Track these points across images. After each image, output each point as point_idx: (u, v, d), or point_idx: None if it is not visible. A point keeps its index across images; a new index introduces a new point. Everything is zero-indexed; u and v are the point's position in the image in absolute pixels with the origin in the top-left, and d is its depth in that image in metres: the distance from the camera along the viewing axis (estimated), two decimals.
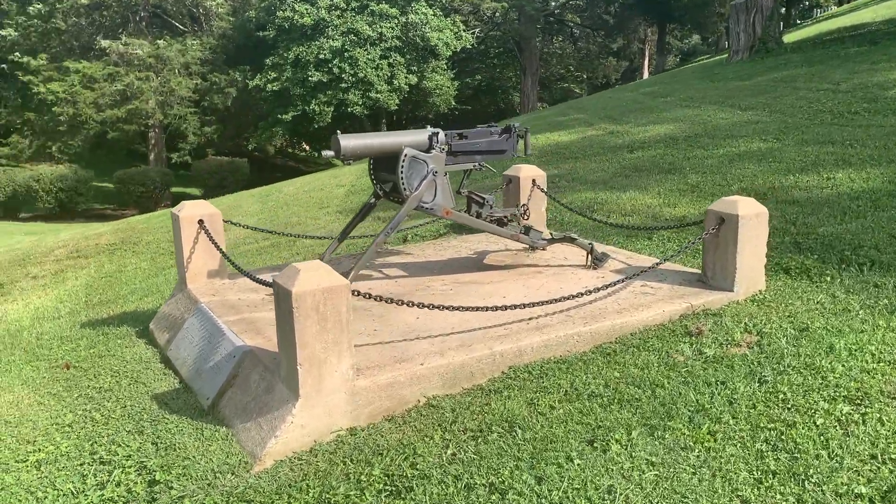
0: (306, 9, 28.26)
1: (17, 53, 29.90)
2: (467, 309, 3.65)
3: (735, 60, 15.06)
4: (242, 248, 7.71)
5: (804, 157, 7.24)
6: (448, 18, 31.47)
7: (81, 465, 3.15)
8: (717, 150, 8.21)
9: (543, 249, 5.07)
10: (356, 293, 3.33)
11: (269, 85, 29.09)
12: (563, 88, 47.72)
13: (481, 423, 3.13)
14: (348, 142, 4.11)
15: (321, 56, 27.86)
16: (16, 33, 30.27)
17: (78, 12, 29.90)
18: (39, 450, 3.30)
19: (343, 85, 28.19)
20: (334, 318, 3.05)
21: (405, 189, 4.20)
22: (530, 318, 3.90)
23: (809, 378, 3.20)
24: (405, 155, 4.18)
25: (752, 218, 4.19)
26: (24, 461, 3.22)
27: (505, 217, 4.76)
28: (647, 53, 49.79)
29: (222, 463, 3.04)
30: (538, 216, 5.93)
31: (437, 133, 4.38)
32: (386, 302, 3.43)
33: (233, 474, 2.97)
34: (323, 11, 28.13)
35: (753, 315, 3.98)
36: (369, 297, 3.41)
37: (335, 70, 28.03)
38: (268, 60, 29.42)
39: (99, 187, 30.93)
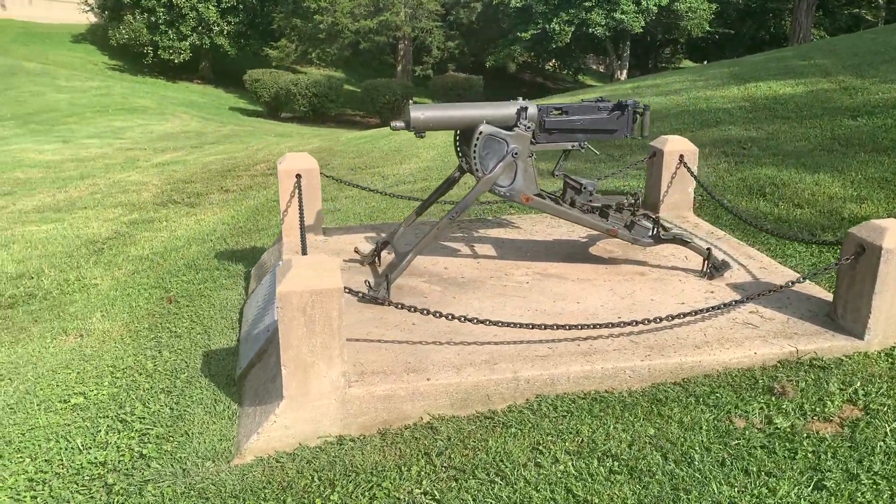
0: None
1: None
2: (502, 324, 3.26)
3: None
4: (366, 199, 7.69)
5: None
6: None
7: (104, 418, 3.35)
8: None
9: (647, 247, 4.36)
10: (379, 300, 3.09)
11: (513, 1, 28.61)
12: (851, 15, 41.37)
13: (469, 462, 2.80)
14: (419, 113, 3.77)
15: None
16: None
17: None
18: (83, 394, 3.57)
19: (587, 3, 26.88)
20: (323, 321, 2.86)
21: (477, 170, 3.80)
22: (587, 338, 3.41)
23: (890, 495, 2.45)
24: (480, 132, 3.75)
25: None
26: (66, 402, 3.50)
27: (610, 207, 4.16)
28: None
29: (212, 447, 3.05)
30: (682, 200, 5.18)
31: (527, 108, 3.87)
32: (411, 311, 3.17)
33: (213, 462, 2.96)
34: None
35: (874, 379, 3.14)
36: (395, 306, 3.16)
37: None
38: None
39: (351, 93, 32.99)
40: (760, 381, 3.17)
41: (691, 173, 5.01)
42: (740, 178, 6.04)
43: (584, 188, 4.06)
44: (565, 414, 3.05)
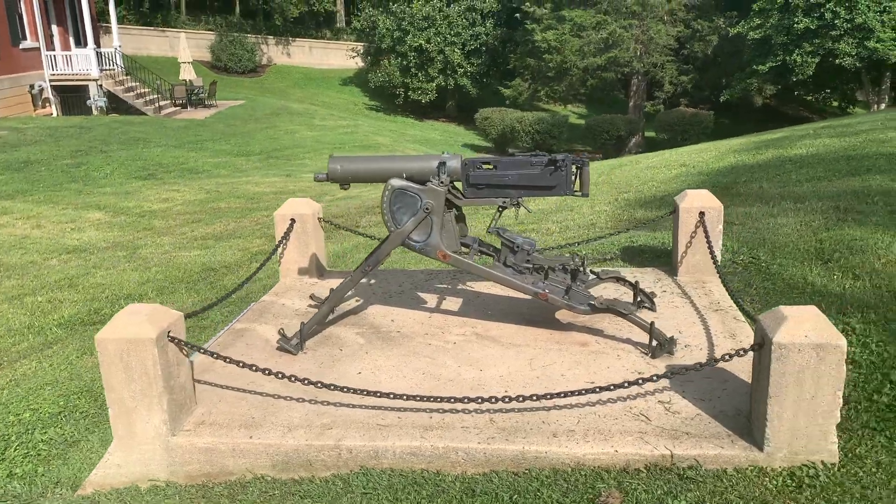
0: None
1: (527, 3, 33.05)
2: (334, 388, 3.16)
3: None
4: None
5: None
6: None
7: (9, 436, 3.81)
8: None
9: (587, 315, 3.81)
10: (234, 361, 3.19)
11: (751, 32, 26.72)
12: None
13: None
14: (336, 165, 3.78)
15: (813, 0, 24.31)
16: None
17: None
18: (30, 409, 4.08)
19: (834, 32, 24.20)
20: (140, 370, 3.00)
21: (388, 224, 3.72)
22: (440, 411, 3.18)
23: None
24: (389, 186, 3.68)
25: (808, 350, 2.62)
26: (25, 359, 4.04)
27: (551, 268, 3.82)
28: None
29: (73, 475, 3.34)
30: (703, 262, 4.56)
31: (446, 162, 3.70)
32: (253, 369, 3.22)
33: (64, 489, 3.24)
34: None
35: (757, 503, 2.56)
36: (237, 364, 3.24)
37: (827, 15, 24.20)
38: (755, 5, 26.93)
39: (580, 128, 33.00)
40: (597, 487, 2.73)
41: (706, 234, 4.39)
42: (821, 237, 5.15)
43: (520, 247, 3.79)
44: (368, 492, 2.88)
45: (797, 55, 25.28)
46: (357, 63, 40.08)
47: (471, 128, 35.25)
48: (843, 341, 2.60)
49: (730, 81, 29.27)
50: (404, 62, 34.66)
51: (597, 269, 4.23)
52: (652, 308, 4.11)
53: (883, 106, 26.53)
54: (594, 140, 30.02)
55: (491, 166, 3.78)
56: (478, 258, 3.90)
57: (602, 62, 29.74)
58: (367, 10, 38.42)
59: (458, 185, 3.85)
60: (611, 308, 3.63)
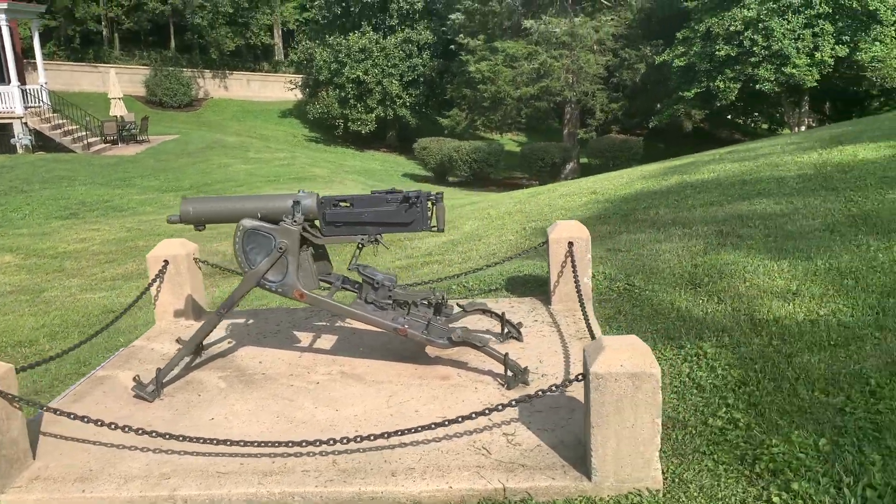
0: None
1: (461, 35, 33.56)
2: (169, 437, 3.10)
3: None
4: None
5: None
6: None
7: None
8: None
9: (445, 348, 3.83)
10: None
11: (676, 60, 27.59)
12: None
13: None
14: (188, 206, 3.76)
15: (732, 28, 25.23)
16: (462, 16, 34.01)
17: None
18: None
19: (753, 59, 25.16)
20: None
21: (242, 265, 3.70)
22: (283, 455, 3.13)
23: None
24: (240, 227, 3.66)
25: (624, 379, 2.67)
26: None
27: (413, 303, 3.84)
28: None
29: None
30: (574, 292, 4.64)
31: (300, 201, 3.71)
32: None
33: None
34: None
35: None
36: (70, 417, 3.15)
37: (746, 42, 25.16)
38: (679, 34, 27.86)
39: (515, 155, 33.49)
40: None
41: (573, 264, 4.47)
42: (697, 262, 5.29)
43: (381, 284, 3.80)
44: None
45: (720, 81, 26.17)
46: (296, 95, 40.04)
47: (411, 157, 35.45)
48: (657, 370, 2.66)
49: (658, 108, 30.09)
50: (343, 94, 34.81)
51: (463, 303, 4.26)
52: (519, 338, 4.15)
53: (804, 127, 27.59)
54: (530, 167, 30.48)
55: (348, 204, 3.79)
56: (339, 295, 3.90)
57: (535, 91, 30.28)
58: (304, 43, 38.53)
59: (319, 222, 3.85)
60: (466, 341, 3.65)
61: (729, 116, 39.99)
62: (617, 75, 30.79)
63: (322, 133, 38.36)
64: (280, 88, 41.90)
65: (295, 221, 3.66)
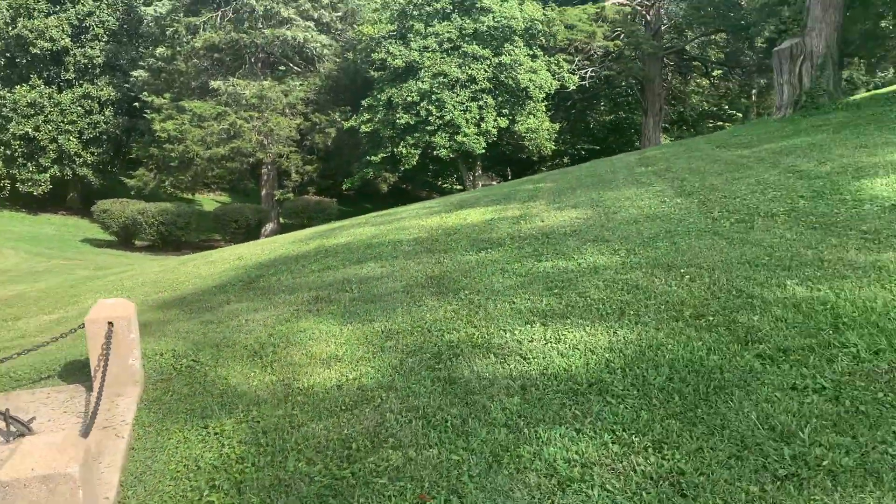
0: (399, 50, 27.72)
1: (145, 93, 31.94)
2: None
3: (777, 117, 12.15)
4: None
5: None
6: (552, 58, 29.62)
7: None
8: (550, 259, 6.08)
9: None
10: None
11: (363, 126, 28.86)
12: (712, 126, 43.69)
13: None
14: None
15: (409, 98, 27.15)
16: (146, 74, 32.46)
17: (197, 54, 31.44)
18: None
19: (430, 128, 27.26)
20: None
21: None
22: None
23: None
24: None
25: (36, 484, 2.44)
26: None
27: None
28: None
29: None
30: (123, 373, 4.36)
31: None
32: None
33: None
34: (415, 53, 27.43)
35: None
36: None
37: (422, 112, 27.20)
38: (364, 101, 29.26)
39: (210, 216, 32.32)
40: None
41: (109, 346, 4.21)
42: (273, 332, 5.31)
43: None
44: None
45: (403, 147, 27.87)
46: None
47: (95, 220, 32.62)
48: (75, 468, 2.48)
49: (351, 170, 31.19)
50: (8, 152, 31.13)
51: None
52: (30, 433, 3.76)
53: (480, 185, 30.40)
54: (224, 229, 29.66)
55: None
56: None
57: (226, 152, 29.71)
58: None
59: None
60: None
61: (429, 176, 42.89)
62: (310, 138, 31.39)
63: None
64: None
65: None
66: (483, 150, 27.69)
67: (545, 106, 30.07)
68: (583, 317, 4.62)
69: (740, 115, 41.78)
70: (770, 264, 4.97)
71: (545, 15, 29.01)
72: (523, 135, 28.19)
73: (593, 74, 31.98)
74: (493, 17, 27.17)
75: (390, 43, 28.10)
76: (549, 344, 4.27)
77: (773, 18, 26.53)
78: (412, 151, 27.83)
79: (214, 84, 30.56)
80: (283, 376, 4.40)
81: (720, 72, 40.53)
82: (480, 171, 31.27)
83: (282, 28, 30.16)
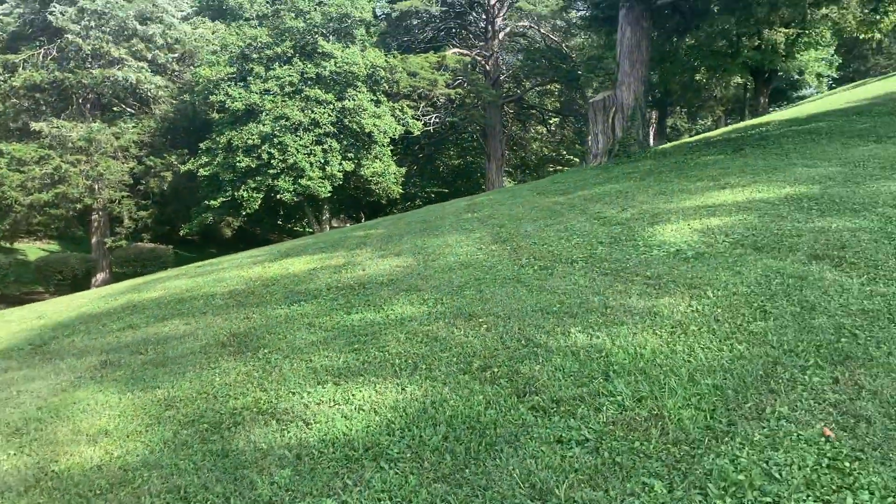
0: (239, 93, 27.10)
1: None
2: None
3: (593, 165, 12.88)
4: None
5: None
6: (396, 104, 30.04)
7: None
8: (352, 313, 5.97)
9: None
10: None
11: (201, 169, 27.81)
12: (553, 170, 45.90)
13: None
14: None
15: (250, 141, 26.51)
16: None
17: (17, 94, 29.23)
18: None
19: (272, 171, 26.70)
20: None
21: None
22: None
23: None
24: None
25: None
26: None
27: None
28: (651, 133, 48.02)
29: None
30: None
31: None
32: None
33: None
34: (255, 96, 26.91)
35: None
36: None
37: (264, 156, 26.62)
38: (202, 145, 28.27)
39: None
40: None
41: None
42: (43, 405, 4.82)
43: None
44: None
45: (244, 191, 27.08)
46: None
47: None
48: None
49: (190, 214, 29.90)
50: None
51: None
52: None
53: (328, 228, 30.03)
54: (47, 281, 27.43)
55: None
56: None
57: (49, 198, 27.62)
58: None
59: None
60: None
61: (280, 219, 41.84)
62: (144, 182, 29.84)
63: None
64: None
65: None
66: (329, 194, 27.43)
67: (392, 150, 30.36)
68: (377, 373, 4.52)
69: (577, 159, 44.22)
70: (560, 311, 5.11)
71: (387, 62, 29.43)
72: (369, 178, 28.23)
73: (437, 121, 32.73)
74: (336, 63, 27.22)
75: (229, 85, 27.43)
76: (336, 406, 4.12)
77: (598, 71, 28.40)
78: (254, 195, 27.09)
79: (36, 126, 28.44)
80: (40, 457, 3.96)
81: (557, 119, 42.86)
82: (329, 215, 30.92)
83: (112, 68, 28.71)
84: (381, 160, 28.79)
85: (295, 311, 6.54)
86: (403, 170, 30.21)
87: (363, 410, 4.00)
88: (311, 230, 42.19)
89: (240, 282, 8.68)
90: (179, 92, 31.42)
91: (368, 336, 5.31)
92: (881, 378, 3.51)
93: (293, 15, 27.76)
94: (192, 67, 31.19)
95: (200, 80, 28.28)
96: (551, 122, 41.88)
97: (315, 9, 27.88)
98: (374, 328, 5.49)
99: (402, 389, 4.20)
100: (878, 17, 17.35)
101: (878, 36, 21.13)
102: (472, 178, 42.72)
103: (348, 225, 34.43)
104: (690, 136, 46.20)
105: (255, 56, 27.88)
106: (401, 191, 30.40)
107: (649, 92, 12.61)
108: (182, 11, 31.99)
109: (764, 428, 3.26)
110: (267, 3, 29.66)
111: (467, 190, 41.19)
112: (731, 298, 4.81)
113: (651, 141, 47.73)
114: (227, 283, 8.78)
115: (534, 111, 40.36)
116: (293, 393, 4.41)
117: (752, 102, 30.70)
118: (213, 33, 31.10)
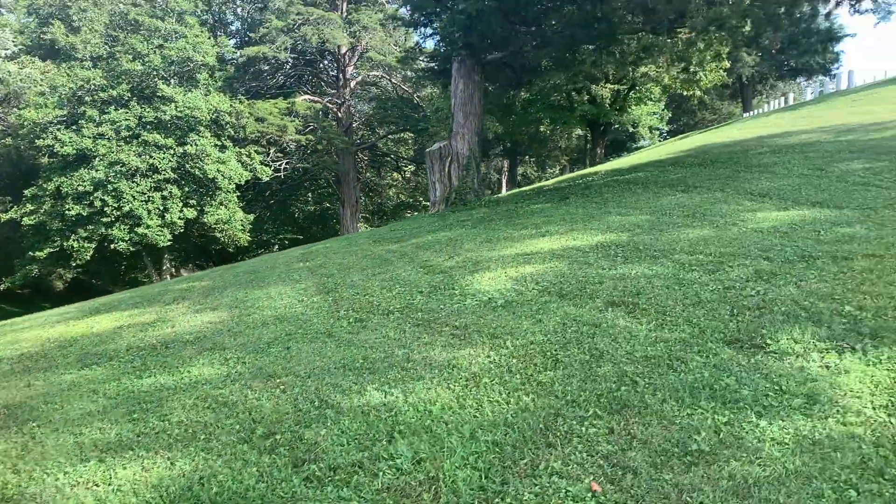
0: (70, 137, 25.42)
1: None
2: None
3: (432, 212, 12.98)
4: None
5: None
6: (243, 149, 29.28)
7: None
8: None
9: None
10: None
11: (25, 218, 25.70)
12: (410, 216, 46.23)
13: None
14: None
15: (81, 188, 24.84)
16: None
17: None
18: None
19: (106, 219, 25.11)
20: None
21: None
22: None
23: None
24: None
25: None
26: None
27: None
28: (503, 182, 49.60)
29: None
30: None
31: None
32: None
33: None
34: (87, 141, 25.34)
35: None
36: None
37: (97, 203, 25.01)
38: (28, 191, 26.20)
39: None
40: None
41: None
42: None
43: None
44: None
45: (74, 241, 25.26)
46: None
47: None
48: None
49: (14, 267, 27.48)
50: None
51: None
52: None
53: (169, 277, 28.47)
54: None
55: None
56: None
57: None
58: None
59: None
60: None
61: (121, 268, 39.25)
62: None
63: None
64: None
65: None
66: (169, 242, 26.10)
67: (240, 196, 29.45)
68: (150, 447, 4.10)
69: None
70: (362, 368, 4.90)
71: (233, 107, 28.70)
72: (213, 226, 27.15)
73: (289, 166, 32.18)
74: (176, 107, 26.20)
75: (58, 129, 25.69)
76: (92, 488, 3.67)
77: (448, 122, 29.08)
78: (85, 245, 25.34)
79: None
80: None
81: (412, 167, 43.40)
82: (171, 265, 29.38)
83: None
84: (225, 207, 27.82)
85: (83, 375, 5.94)
86: (252, 216, 29.34)
87: (121, 492, 3.58)
88: (152, 281, 40.02)
89: (36, 343, 7.87)
90: (2, 135, 29.13)
91: (153, 403, 4.86)
92: (653, 426, 3.54)
93: (130, 57, 26.56)
94: (17, 109, 29.05)
95: (26, 122, 26.32)
96: (406, 168, 42.34)
97: (154, 51, 26.82)
98: (162, 394, 5.05)
99: (172, 465, 3.81)
100: (696, 76, 18.86)
101: (698, 93, 23.05)
102: (328, 224, 42.25)
103: (196, 273, 32.92)
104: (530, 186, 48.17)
105: (88, 98, 26.35)
106: (248, 238, 29.45)
107: (486, 142, 12.91)
108: (7, 50, 29.85)
109: (535, 486, 3.17)
110: (105, 43, 28.22)
111: (324, 235, 40.61)
112: (527, 348, 4.79)
113: (504, 188, 49.46)
114: (21, 344, 7.93)
115: (388, 158, 40.66)
116: (48, 474, 3.91)
117: (592, 153, 32.51)
118: (42, 74, 29.16)
